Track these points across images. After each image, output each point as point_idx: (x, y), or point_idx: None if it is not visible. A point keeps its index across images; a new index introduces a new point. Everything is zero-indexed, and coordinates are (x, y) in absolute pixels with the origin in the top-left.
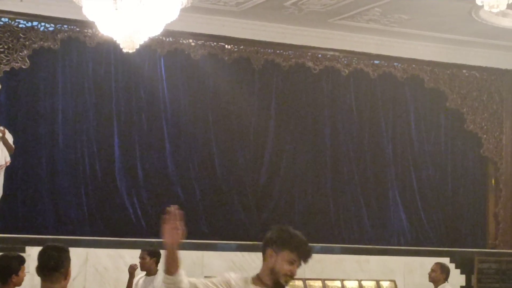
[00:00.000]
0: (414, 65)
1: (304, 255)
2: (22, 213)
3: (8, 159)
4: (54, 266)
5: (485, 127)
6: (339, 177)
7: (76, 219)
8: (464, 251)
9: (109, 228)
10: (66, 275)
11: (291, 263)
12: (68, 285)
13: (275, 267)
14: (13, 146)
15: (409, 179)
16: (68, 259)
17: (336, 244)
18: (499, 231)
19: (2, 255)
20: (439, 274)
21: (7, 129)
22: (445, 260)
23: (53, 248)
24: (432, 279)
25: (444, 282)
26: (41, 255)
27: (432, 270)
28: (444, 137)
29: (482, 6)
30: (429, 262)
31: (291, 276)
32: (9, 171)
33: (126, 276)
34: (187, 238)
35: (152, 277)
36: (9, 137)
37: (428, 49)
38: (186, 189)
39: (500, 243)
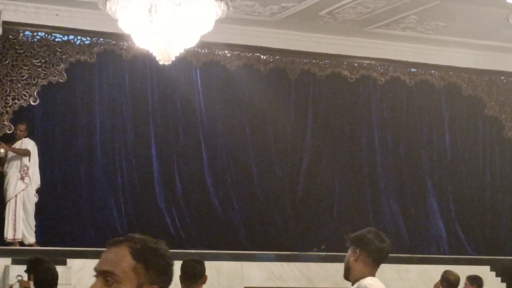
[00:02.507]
0: (451, 73)
1: None
2: (62, 226)
3: (26, 163)
4: (198, 274)
5: None
6: (376, 186)
7: (116, 231)
8: (504, 259)
9: None
10: (205, 281)
11: None
12: None
13: None
14: (28, 149)
15: (446, 187)
16: (204, 268)
17: None
18: None
19: (193, 259)
20: (438, 283)
21: (45, 142)
22: (485, 269)
23: (194, 261)
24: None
25: None
26: (186, 266)
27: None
28: (482, 145)
29: None
30: (469, 270)
31: None
32: (49, 184)
33: None
34: (226, 249)
35: None
36: (26, 144)
37: (465, 56)
38: (224, 199)
39: None
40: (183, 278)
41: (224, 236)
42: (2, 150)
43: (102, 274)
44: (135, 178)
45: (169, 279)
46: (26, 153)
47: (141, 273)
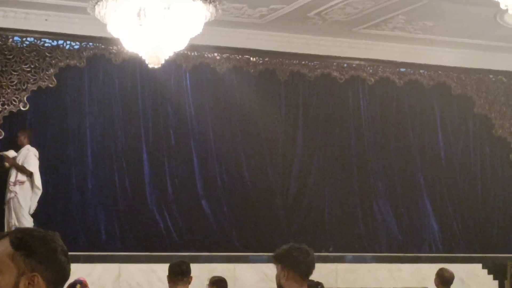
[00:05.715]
0: (440, 72)
1: None
2: (53, 230)
3: (24, 179)
4: (183, 272)
5: None
6: (368, 187)
7: (108, 235)
8: (496, 256)
9: (141, 243)
10: (190, 280)
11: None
12: None
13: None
14: (31, 171)
15: (439, 186)
16: (190, 269)
17: (367, 253)
18: None
19: (179, 260)
20: (435, 279)
21: (36, 147)
22: (477, 266)
23: (180, 261)
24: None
25: None
26: (172, 266)
27: None
28: (472, 143)
29: (507, 10)
30: (461, 268)
31: None
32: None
33: None
34: (218, 251)
35: None
36: (31, 154)
37: (454, 55)
38: (215, 202)
39: None
40: (169, 276)
41: (216, 239)
42: (7, 164)
43: None
44: (126, 182)
45: (54, 269)
46: (28, 174)
47: (20, 261)
